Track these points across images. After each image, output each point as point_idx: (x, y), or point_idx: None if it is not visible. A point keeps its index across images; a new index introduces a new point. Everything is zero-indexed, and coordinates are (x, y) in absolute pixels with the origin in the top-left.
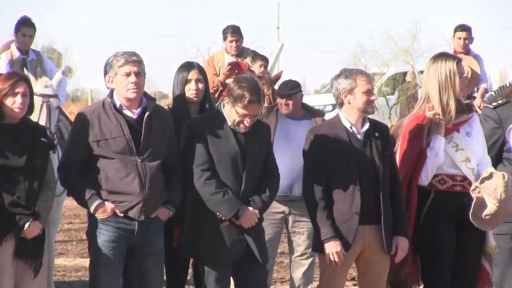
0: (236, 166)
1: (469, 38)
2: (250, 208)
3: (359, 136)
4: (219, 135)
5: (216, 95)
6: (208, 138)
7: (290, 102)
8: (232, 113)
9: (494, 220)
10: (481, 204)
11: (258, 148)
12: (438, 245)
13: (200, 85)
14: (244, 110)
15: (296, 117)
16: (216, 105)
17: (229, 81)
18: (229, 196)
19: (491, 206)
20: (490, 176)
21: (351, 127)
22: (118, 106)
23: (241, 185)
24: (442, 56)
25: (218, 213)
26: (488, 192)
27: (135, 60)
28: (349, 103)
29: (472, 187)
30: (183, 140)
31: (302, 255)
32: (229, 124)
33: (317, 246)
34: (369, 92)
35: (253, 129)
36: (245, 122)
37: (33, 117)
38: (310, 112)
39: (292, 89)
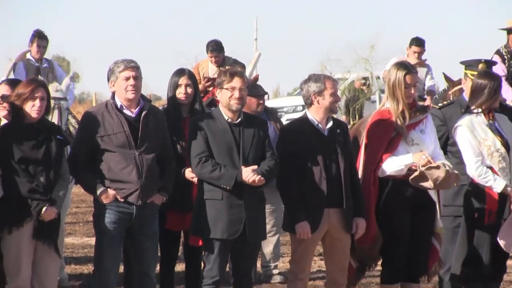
0: (232, 154)
1: (423, 51)
2: (244, 168)
3: (324, 132)
4: (217, 129)
5: None
6: (208, 131)
7: (261, 102)
8: (223, 96)
9: (427, 187)
10: (422, 178)
11: (252, 139)
12: (395, 227)
13: (189, 89)
14: (229, 83)
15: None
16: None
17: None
18: (225, 168)
19: (428, 185)
20: (437, 167)
21: (317, 125)
22: (119, 106)
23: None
24: (397, 65)
25: (222, 186)
26: (430, 177)
27: (133, 66)
28: (318, 103)
29: (420, 167)
30: (189, 134)
31: (269, 232)
32: (226, 118)
33: (289, 226)
34: (335, 94)
35: (247, 122)
36: (235, 94)
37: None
38: (267, 112)
39: (264, 90)
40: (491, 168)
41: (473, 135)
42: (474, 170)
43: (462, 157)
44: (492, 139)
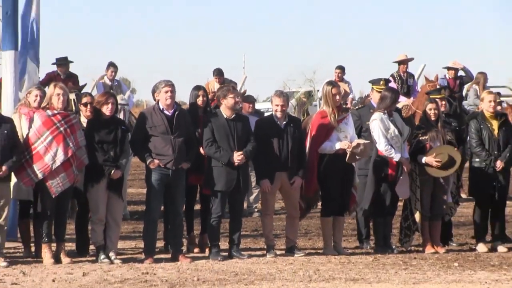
0: (229, 140)
1: (342, 73)
2: (235, 153)
3: (281, 126)
4: (220, 123)
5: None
6: (214, 125)
7: (252, 105)
8: (229, 101)
9: (358, 159)
10: (353, 156)
11: (241, 129)
12: (330, 183)
13: (204, 98)
14: (231, 94)
15: (251, 114)
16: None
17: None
18: (223, 152)
19: (359, 157)
20: (357, 146)
21: (277, 121)
22: (161, 108)
23: (233, 151)
24: (326, 82)
25: (220, 162)
26: (357, 153)
27: (170, 84)
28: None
29: (348, 151)
30: (203, 126)
31: (254, 186)
32: (225, 116)
33: (258, 181)
34: (276, 105)
35: (238, 119)
36: (235, 100)
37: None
38: (257, 112)
39: (253, 98)
40: (391, 145)
41: (383, 125)
42: (383, 147)
43: (374, 139)
44: (392, 128)
